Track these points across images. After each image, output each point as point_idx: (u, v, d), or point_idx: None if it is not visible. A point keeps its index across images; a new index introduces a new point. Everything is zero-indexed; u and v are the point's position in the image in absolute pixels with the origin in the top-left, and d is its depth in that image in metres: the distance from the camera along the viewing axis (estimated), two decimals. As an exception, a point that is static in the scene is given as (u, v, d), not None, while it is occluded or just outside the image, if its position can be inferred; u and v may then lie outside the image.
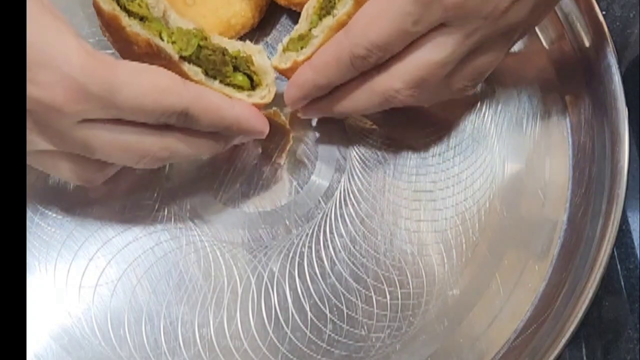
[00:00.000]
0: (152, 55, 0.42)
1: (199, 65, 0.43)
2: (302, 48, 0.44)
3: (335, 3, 0.43)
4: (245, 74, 0.44)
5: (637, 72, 0.52)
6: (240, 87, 0.44)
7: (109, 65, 0.37)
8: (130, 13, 0.41)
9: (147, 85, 0.38)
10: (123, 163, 0.41)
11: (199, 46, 0.43)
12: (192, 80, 0.43)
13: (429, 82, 0.42)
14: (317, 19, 0.44)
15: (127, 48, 0.42)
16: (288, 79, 0.46)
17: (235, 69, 0.44)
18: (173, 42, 0.42)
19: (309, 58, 0.44)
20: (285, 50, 0.45)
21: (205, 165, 0.49)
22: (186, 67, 0.42)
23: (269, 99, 0.44)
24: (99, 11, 0.41)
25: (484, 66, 0.43)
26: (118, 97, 0.37)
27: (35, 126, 0.37)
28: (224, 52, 0.43)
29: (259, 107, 0.44)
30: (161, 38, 0.41)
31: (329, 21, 0.43)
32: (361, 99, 0.44)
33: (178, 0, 0.50)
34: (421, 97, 0.43)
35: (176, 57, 0.42)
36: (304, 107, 0.47)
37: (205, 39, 0.43)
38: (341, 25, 0.42)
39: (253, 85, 0.45)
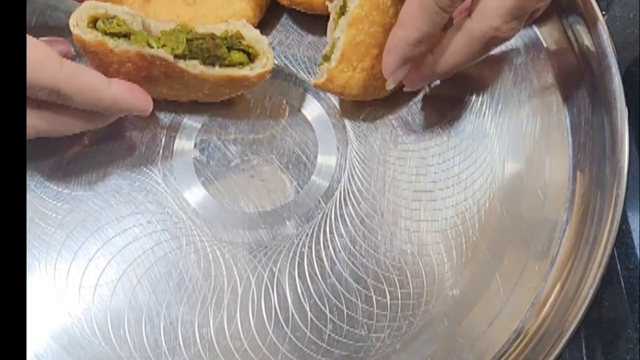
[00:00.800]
0: (144, 68, 0.43)
1: (195, 58, 0.43)
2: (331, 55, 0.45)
3: (346, 2, 0.44)
4: (240, 50, 0.45)
5: (637, 72, 0.52)
6: (240, 64, 0.45)
7: None
8: (112, 35, 0.42)
9: None
10: None
11: (188, 40, 0.43)
12: (192, 73, 0.43)
13: (524, 9, 0.41)
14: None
15: (115, 72, 0.44)
16: (337, 93, 0.47)
17: (229, 49, 0.45)
18: (163, 46, 0.43)
19: (340, 62, 0.45)
20: (319, 65, 0.46)
21: (205, 164, 0.49)
22: (183, 64, 0.43)
23: (270, 65, 0.45)
24: (83, 45, 0.42)
25: None
26: None
27: None
28: (212, 37, 0.44)
29: (264, 76, 0.45)
30: (150, 46, 0.42)
31: (344, 20, 0.44)
32: (462, 51, 0.43)
33: (178, 0, 0.50)
34: (520, 27, 0.42)
35: (171, 58, 0.42)
36: (409, 79, 0.46)
37: (190, 31, 0.44)
38: (356, 19, 0.43)
39: (251, 58, 0.45)
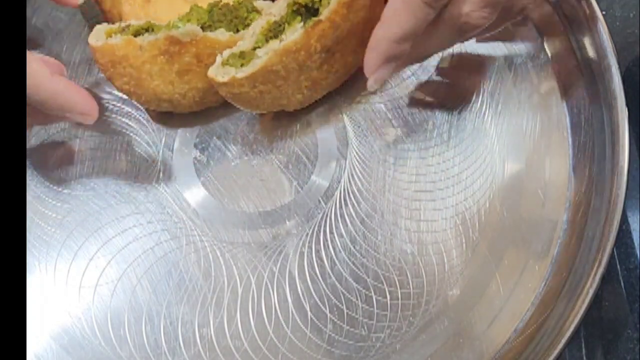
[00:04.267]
0: (176, 55, 0.43)
1: (220, 27, 0.44)
2: (242, 65, 0.43)
3: (284, 28, 0.43)
4: (255, 11, 0.46)
5: (637, 72, 0.52)
6: None
7: None
8: (135, 34, 0.43)
9: None
10: None
11: (208, 11, 0.45)
12: (222, 43, 0.44)
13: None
14: (263, 39, 0.43)
15: (148, 75, 0.44)
16: (223, 94, 0.45)
17: (247, 11, 0.46)
18: (189, 21, 0.44)
19: (248, 77, 0.42)
20: (224, 63, 0.43)
21: (205, 164, 0.49)
22: (212, 34, 0.44)
23: None
24: (111, 55, 0.43)
25: None
26: None
27: None
28: (227, 4, 0.45)
29: None
30: (177, 27, 0.43)
31: (275, 44, 0.42)
32: (433, 36, 0.42)
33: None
34: (492, 17, 0.41)
35: (200, 31, 0.43)
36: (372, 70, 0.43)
37: (201, 7, 0.45)
38: (287, 51, 0.42)
39: None
